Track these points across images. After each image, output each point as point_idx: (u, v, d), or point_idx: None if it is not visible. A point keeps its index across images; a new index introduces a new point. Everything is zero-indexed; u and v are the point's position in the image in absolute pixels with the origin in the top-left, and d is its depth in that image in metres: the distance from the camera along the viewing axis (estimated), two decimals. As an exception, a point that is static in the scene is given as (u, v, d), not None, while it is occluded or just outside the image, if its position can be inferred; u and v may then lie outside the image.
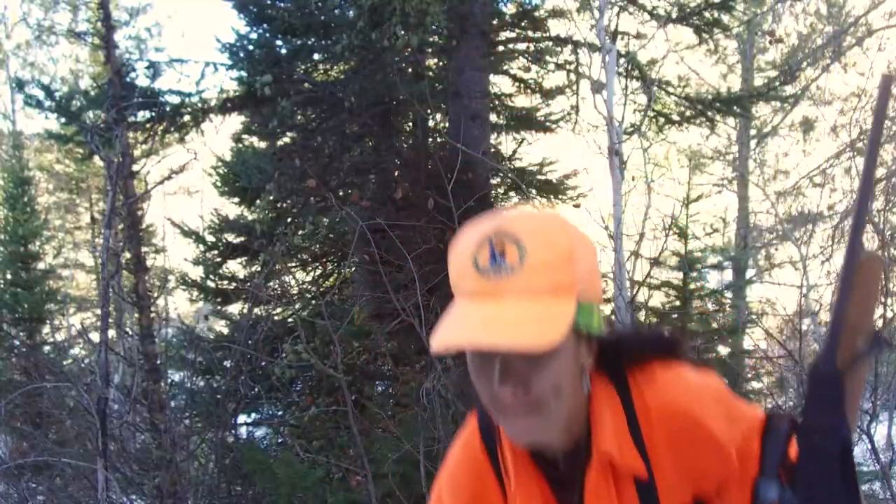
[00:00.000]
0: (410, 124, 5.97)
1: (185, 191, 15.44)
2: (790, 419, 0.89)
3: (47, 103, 5.14)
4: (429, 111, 5.58)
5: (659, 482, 1.05)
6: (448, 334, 0.91)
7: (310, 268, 6.56)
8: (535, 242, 0.94)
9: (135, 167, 5.55)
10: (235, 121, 6.48)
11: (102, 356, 4.28)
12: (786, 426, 0.89)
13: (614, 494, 1.05)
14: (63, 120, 5.72)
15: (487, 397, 0.98)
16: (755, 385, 6.38)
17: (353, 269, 5.86)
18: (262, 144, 6.54)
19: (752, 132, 10.94)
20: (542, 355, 0.94)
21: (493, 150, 5.88)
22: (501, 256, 0.94)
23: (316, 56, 5.81)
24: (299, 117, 5.75)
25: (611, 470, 1.05)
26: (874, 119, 0.83)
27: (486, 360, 0.96)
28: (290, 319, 5.79)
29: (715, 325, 6.03)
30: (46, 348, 9.71)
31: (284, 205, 5.88)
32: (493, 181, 6.10)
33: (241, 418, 5.62)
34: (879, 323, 5.41)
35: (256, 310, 5.55)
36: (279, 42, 5.64)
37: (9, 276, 9.92)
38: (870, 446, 4.49)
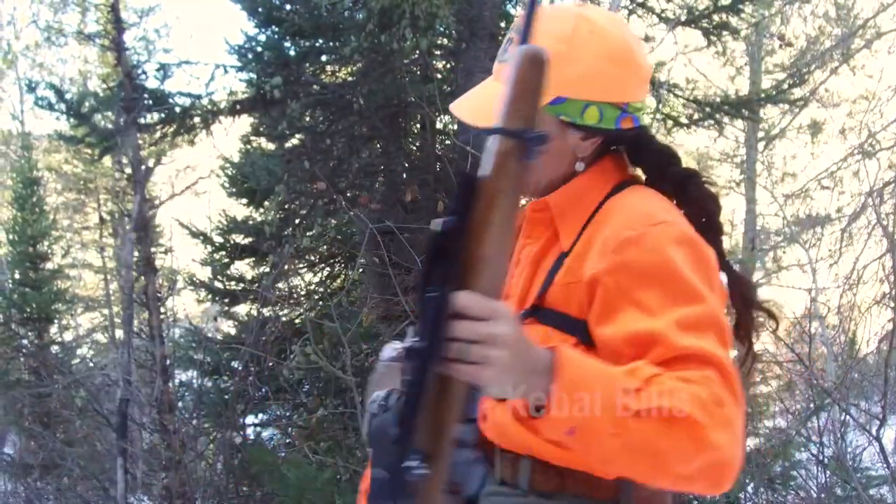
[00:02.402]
0: (419, 126, 5.97)
1: (193, 191, 15.44)
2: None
3: (58, 105, 5.16)
4: (438, 113, 5.59)
5: (569, 258, 1.11)
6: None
7: (317, 269, 6.56)
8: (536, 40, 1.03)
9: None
10: (244, 122, 6.48)
11: (125, 358, 4.29)
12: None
13: (535, 235, 1.16)
14: (73, 122, 5.74)
15: None
16: (763, 389, 6.37)
17: (361, 270, 5.87)
18: (271, 146, 6.54)
19: (760, 134, 10.91)
20: None
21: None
22: (509, 45, 1.08)
23: (325, 58, 5.82)
24: (308, 119, 5.76)
25: (550, 227, 1.14)
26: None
27: None
28: (297, 321, 5.80)
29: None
30: (55, 348, 9.74)
31: (293, 206, 5.89)
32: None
33: (249, 419, 5.62)
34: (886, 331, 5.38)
35: (265, 311, 5.56)
36: (288, 44, 5.64)
37: (17, 276, 9.95)
38: (879, 450, 4.48)
